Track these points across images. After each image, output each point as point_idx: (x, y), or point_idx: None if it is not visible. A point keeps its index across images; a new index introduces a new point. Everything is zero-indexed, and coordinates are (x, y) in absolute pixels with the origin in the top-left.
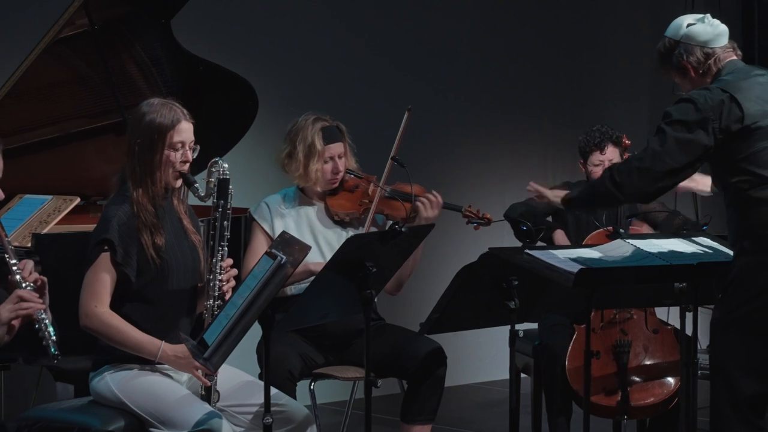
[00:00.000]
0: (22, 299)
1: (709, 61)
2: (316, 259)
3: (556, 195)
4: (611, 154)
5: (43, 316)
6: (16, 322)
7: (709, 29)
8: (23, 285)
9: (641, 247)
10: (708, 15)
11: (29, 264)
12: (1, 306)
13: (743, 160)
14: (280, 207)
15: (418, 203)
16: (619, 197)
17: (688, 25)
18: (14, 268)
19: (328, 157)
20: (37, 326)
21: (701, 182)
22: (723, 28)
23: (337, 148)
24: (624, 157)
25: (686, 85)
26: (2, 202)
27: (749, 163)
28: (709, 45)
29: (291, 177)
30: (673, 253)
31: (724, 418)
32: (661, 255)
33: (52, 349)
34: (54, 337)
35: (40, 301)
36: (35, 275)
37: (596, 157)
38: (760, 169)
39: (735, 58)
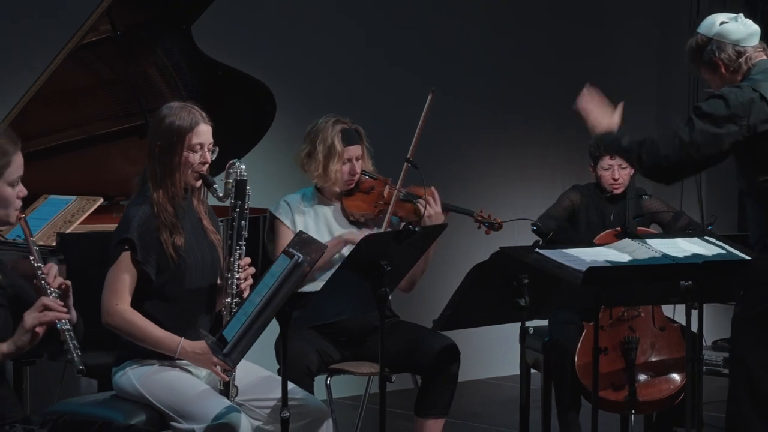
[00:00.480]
0: (46, 307)
1: (740, 60)
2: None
3: (595, 122)
4: (620, 159)
5: (68, 326)
6: (40, 329)
7: (741, 28)
8: (48, 291)
9: (648, 247)
10: (741, 14)
11: (53, 269)
12: (26, 313)
13: None
14: (299, 205)
15: (419, 205)
16: (638, 171)
17: (721, 23)
18: (39, 272)
19: (347, 158)
20: (62, 338)
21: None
22: (755, 28)
23: (355, 150)
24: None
25: (716, 82)
26: (28, 202)
27: None
28: (741, 43)
29: (310, 176)
30: (679, 252)
31: (743, 414)
32: (667, 254)
33: (78, 364)
34: (79, 352)
35: (65, 309)
36: (59, 280)
37: (606, 161)
38: None
39: (765, 57)
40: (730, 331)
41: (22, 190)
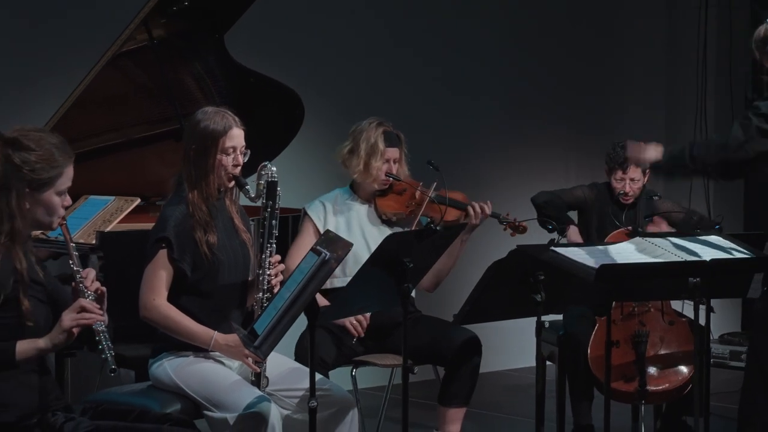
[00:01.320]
0: (84, 309)
1: None
2: (363, 253)
3: (645, 157)
4: (633, 173)
5: (103, 327)
6: (76, 330)
7: None
8: (86, 294)
9: (658, 245)
10: None
11: (92, 273)
12: (64, 313)
13: None
14: (334, 205)
15: (470, 209)
16: (691, 168)
17: None
18: (78, 276)
19: (386, 159)
20: (96, 338)
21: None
22: None
23: (394, 152)
24: (646, 173)
25: None
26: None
27: None
28: None
29: (350, 171)
30: (687, 250)
31: (756, 404)
32: (676, 252)
33: (111, 365)
34: (113, 353)
35: (101, 312)
36: (96, 284)
37: (618, 174)
38: None
39: None
40: (753, 324)
41: (67, 200)
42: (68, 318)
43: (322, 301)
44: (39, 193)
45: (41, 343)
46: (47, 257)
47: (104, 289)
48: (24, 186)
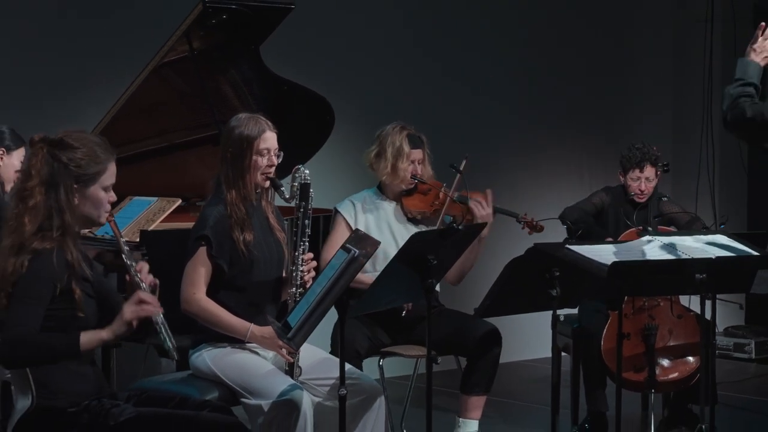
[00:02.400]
0: (143, 301)
1: None
2: (391, 250)
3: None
4: (648, 173)
5: (161, 318)
6: (135, 322)
7: None
8: (142, 287)
9: (667, 243)
10: None
11: (145, 267)
12: (125, 305)
13: None
14: (363, 204)
15: (471, 204)
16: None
17: None
18: (132, 269)
19: (411, 160)
20: (156, 328)
21: None
22: None
23: (418, 153)
24: (658, 173)
25: None
26: (115, 203)
27: None
28: None
29: (378, 174)
30: (694, 249)
31: None
32: (683, 250)
33: (173, 352)
34: (173, 341)
35: (158, 303)
36: (150, 277)
37: (635, 173)
38: None
39: None
40: None
41: (112, 196)
42: (129, 310)
43: (368, 279)
44: (86, 187)
45: (104, 334)
46: (95, 256)
47: (157, 281)
48: (72, 182)
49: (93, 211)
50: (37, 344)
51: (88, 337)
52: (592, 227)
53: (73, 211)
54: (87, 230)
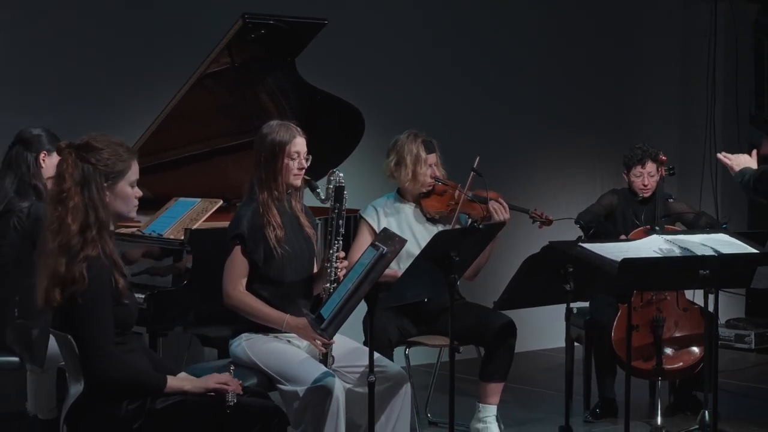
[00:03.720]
0: (227, 383)
1: None
2: (413, 248)
3: (736, 167)
4: (650, 168)
5: (234, 400)
6: (215, 392)
7: None
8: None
9: (673, 242)
10: None
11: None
12: (215, 375)
13: None
14: (384, 208)
15: (492, 207)
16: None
17: None
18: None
19: (428, 165)
20: (227, 405)
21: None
22: None
23: (433, 158)
24: (660, 170)
25: None
26: (160, 203)
27: None
28: None
29: (400, 182)
30: (698, 247)
31: None
32: (689, 248)
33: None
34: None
35: (239, 388)
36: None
37: (637, 170)
38: None
39: None
40: None
41: (138, 191)
42: (214, 380)
43: (392, 272)
44: (115, 185)
45: (187, 386)
46: (142, 254)
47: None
48: (102, 180)
49: (123, 206)
50: (133, 380)
51: (173, 384)
52: (604, 226)
53: (106, 207)
54: (135, 228)
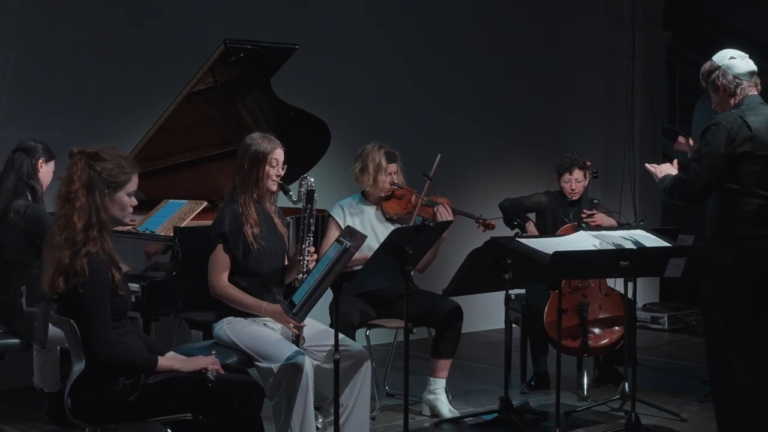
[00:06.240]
0: (213, 364)
1: (737, 89)
2: (373, 244)
3: (660, 174)
4: (577, 175)
5: (215, 377)
6: (203, 371)
7: (743, 64)
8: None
9: (597, 237)
10: (746, 55)
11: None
12: (201, 357)
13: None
14: (350, 208)
15: (437, 210)
16: (676, 201)
17: (731, 58)
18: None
19: (389, 173)
20: (209, 379)
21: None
22: (754, 67)
23: (393, 167)
24: (587, 176)
25: (716, 100)
26: (153, 204)
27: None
28: (740, 77)
29: (363, 185)
30: (619, 241)
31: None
32: (611, 242)
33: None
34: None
35: (219, 366)
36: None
37: (566, 176)
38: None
39: (756, 93)
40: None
41: (134, 200)
42: (203, 362)
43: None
44: (115, 192)
45: (176, 365)
46: (156, 252)
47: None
48: (104, 187)
49: (119, 212)
50: (128, 360)
51: (163, 363)
52: (521, 214)
53: (106, 211)
54: (130, 227)
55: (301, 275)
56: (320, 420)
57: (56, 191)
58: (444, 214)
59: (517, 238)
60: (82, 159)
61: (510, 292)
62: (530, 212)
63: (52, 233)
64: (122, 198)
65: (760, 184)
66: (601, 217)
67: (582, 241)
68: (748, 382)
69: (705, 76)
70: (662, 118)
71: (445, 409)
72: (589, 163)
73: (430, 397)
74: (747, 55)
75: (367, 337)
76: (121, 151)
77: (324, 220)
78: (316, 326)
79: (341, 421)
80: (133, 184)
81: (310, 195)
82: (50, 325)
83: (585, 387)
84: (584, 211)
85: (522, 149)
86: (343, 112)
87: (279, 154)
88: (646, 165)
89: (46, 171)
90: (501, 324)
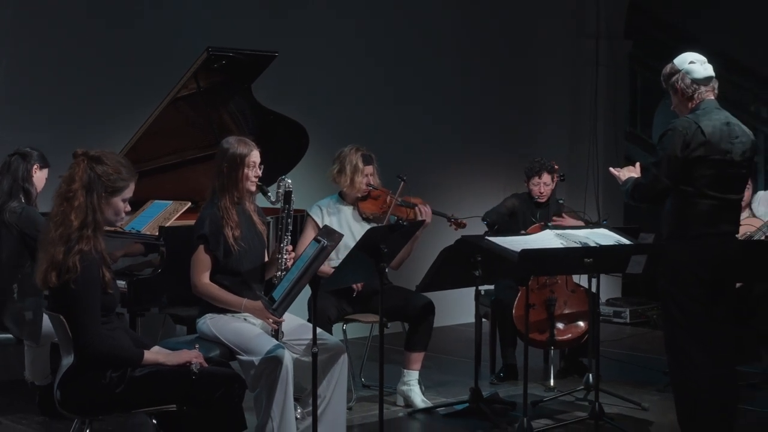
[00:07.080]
0: (197, 357)
1: (694, 94)
2: (350, 242)
3: (623, 177)
4: (545, 179)
5: (198, 369)
6: (187, 364)
7: (701, 70)
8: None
9: (562, 235)
10: (705, 60)
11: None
12: (185, 351)
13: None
14: (328, 208)
15: (417, 211)
16: (636, 204)
17: (690, 62)
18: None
19: (365, 174)
20: (192, 370)
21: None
22: (712, 73)
23: (369, 169)
24: (554, 179)
25: (674, 102)
26: (139, 204)
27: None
28: (698, 82)
29: (340, 186)
30: (584, 239)
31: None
32: (575, 240)
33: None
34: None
35: (202, 360)
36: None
37: (535, 180)
38: None
39: (713, 98)
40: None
41: (127, 207)
42: (187, 356)
43: (328, 269)
44: (111, 197)
45: (161, 358)
46: (140, 252)
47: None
48: (102, 190)
49: (113, 216)
50: (116, 354)
51: (149, 357)
52: (507, 224)
53: (102, 213)
54: (118, 226)
55: (279, 273)
56: (299, 410)
57: (55, 189)
58: (425, 212)
59: (487, 237)
60: (84, 160)
61: (480, 288)
62: (510, 216)
63: (48, 229)
64: (117, 203)
65: (713, 186)
66: (569, 221)
67: (547, 239)
68: (708, 374)
69: (665, 78)
70: (624, 122)
71: (418, 399)
72: (557, 166)
73: (404, 388)
74: (706, 60)
75: (344, 332)
76: (123, 158)
77: (302, 219)
78: (295, 321)
79: (319, 411)
80: (129, 191)
81: (287, 196)
82: (44, 322)
83: (551, 378)
84: (554, 218)
85: (492, 150)
86: (322, 117)
87: (255, 155)
88: (610, 169)
89: (39, 177)
90: (471, 318)
